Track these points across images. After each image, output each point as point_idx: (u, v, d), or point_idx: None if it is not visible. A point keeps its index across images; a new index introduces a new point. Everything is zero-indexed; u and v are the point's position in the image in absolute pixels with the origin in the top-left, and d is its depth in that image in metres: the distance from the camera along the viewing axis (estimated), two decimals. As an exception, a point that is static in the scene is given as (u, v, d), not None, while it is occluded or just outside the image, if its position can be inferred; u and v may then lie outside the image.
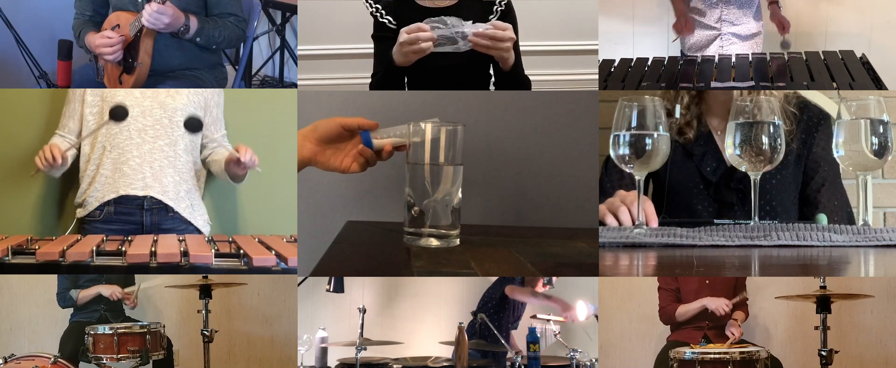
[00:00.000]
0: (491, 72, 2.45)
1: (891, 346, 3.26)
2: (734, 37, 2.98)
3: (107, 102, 2.61)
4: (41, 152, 2.47)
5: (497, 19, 2.38)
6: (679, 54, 3.10)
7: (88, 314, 3.01)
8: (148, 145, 2.60)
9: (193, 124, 2.47)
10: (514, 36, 2.17)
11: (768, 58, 2.62)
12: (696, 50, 3.03)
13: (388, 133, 1.80)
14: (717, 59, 2.66)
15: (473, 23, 2.15)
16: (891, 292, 3.26)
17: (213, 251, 2.03)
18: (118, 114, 2.44)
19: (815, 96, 2.45)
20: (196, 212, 2.66)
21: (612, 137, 1.71)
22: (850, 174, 2.38)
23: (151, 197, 2.58)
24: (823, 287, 2.40)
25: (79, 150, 2.67)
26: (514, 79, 2.32)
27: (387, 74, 2.26)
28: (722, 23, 2.98)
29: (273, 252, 2.03)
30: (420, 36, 2.11)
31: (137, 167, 2.58)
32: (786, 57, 2.61)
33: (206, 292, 2.58)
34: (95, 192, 2.59)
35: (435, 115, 1.84)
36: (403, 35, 2.13)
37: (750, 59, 2.61)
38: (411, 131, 1.75)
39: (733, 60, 2.64)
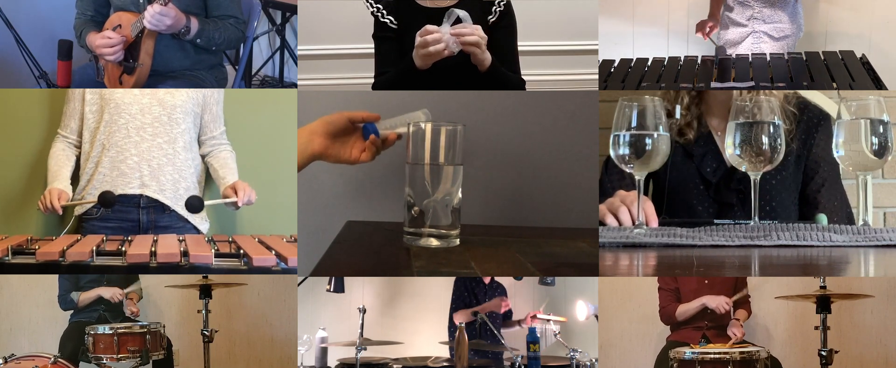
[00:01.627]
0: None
1: (891, 346, 3.27)
2: (766, 36, 2.98)
3: (106, 101, 2.61)
4: (43, 198, 2.50)
5: (495, 19, 2.39)
6: (714, 50, 3.11)
7: (88, 314, 3.01)
8: (146, 142, 2.60)
9: (194, 205, 2.49)
10: (483, 36, 2.17)
11: (768, 58, 2.62)
12: (730, 46, 3.05)
13: (385, 125, 1.88)
14: (716, 59, 2.66)
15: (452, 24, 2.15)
16: (891, 292, 3.26)
17: (213, 250, 2.03)
18: (107, 200, 2.46)
19: (815, 96, 2.45)
20: (195, 210, 2.67)
21: (612, 137, 1.71)
22: (850, 174, 2.38)
23: (146, 196, 2.59)
24: (823, 287, 2.40)
25: (79, 148, 2.68)
26: (494, 80, 2.31)
27: (404, 77, 2.27)
28: (753, 21, 2.98)
29: (273, 252, 2.03)
30: (428, 39, 2.12)
31: (135, 166, 2.59)
32: (786, 57, 2.61)
33: (206, 292, 2.58)
34: (94, 190, 2.59)
35: (435, 115, 1.84)
36: (417, 38, 2.15)
37: (750, 59, 2.61)
38: (409, 120, 1.82)
39: (733, 59, 2.64)
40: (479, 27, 2.17)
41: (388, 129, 1.88)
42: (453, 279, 3.67)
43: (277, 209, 2.85)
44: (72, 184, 2.65)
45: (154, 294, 3.36)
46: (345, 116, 1.86)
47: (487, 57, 2.22)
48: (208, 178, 2.78)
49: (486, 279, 3.62)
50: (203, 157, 2.75)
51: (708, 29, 3.15)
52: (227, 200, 2.56)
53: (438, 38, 2.13)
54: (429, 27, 2.14)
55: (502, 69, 2.31)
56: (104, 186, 2.58)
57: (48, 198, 2.48)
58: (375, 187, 2.76)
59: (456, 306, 3.57)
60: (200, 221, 2.69)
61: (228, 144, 2.79)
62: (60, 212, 2.49)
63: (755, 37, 2.99)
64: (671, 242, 1.71)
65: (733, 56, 2.73)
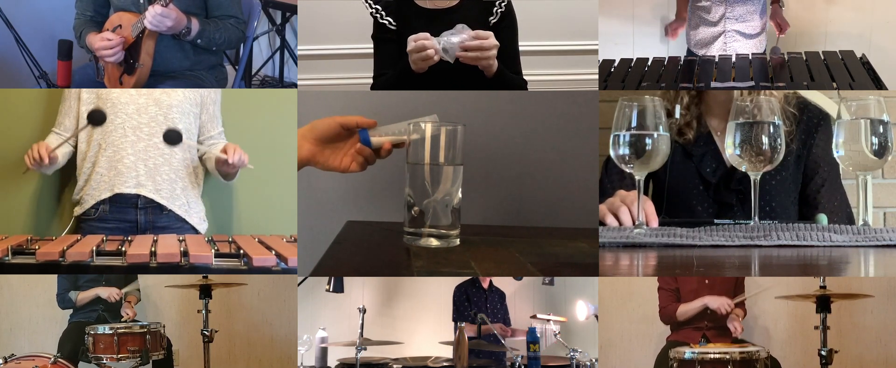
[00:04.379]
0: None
1: (891, 346, 3.27)
2: (738, 34, 2.98)
3: (102, 101, 2.61)
4: (29, 150, 2.48)
5: (497, 20, 2.39)
6: (685, 52, 3.11)
7: (87, 314, 3.01)
8: (143, 142, 2.60)
9: (172, 137, 2.48)
10: (496, 43, 2.17)
11: (768, 58, 2.62)
12: (701, 46, 3.04)
13: (386, 131, 1.80)
14: (717, 58, 2.66)
15: (459, 33, 2.15)
16: (891, 292, 3.26)
17: (213, 251, 2.03)
18: (96, 118, 2.45)
19: (815, 96, 2.45)
20: (192, 210, 2.66)
21: (612, 137, 1.71)
22: (850, 174, 2.38)
23: (143, 196, 2.58)
24: (823, 287, 2.40)
25: (75, 148, 2.67)
26: (500, 85, 2.31)
27: (400, 80, 2.27)
28: (725, 20, 2.98)
29: (273, 252, 2.03)
30: (425, 44, 2.12)
31: (132, 165, 2.59)
32: (786, 57, 2.61)
33: (206, 292, 2.58)
34: (91, 190, 2.59)
35: (435, 115, 1.84)
36: (410, 43, 2.14)
37: (750, 59, 2.61)
38: (410, 129, 1.76)
39: (733, 59, 2.64)
40: (491, 34, 2.16)
41: (386, 135, 1.79)
42: (452, 281, 3.67)
43: (277, 209, 2.85)
44: (68, 184, 2.65)
45: (154, 294, 3.36)
46: (336, 122, 1.78)
47: (495, 63, 2.22)
48: (207, 178, 2.78)
49: (485, 284, 3.62)
50: (200, 157, 2.74)
51: (674, 28, 3.14)
52: (220, 155, 2.53)
53: (424, 46, 2.12)
54: (420, 35, 2.14)
55: (508, 73, 2.31)
56: (101, 185, 2.58)
57: (36, 149, 2.45)
58: (375, 187, 2.76)
59: (458, 316, 3.58)
60: (199, 221, 2.69)
61: (226, 142, 2.78)
62: (46, 160, 2.45)
63: (728, 36, 2.99)
64: (671, 242, 1.71)
65: (700, 57, 2.73)
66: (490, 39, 2.15)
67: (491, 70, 2.23)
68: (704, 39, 3.03)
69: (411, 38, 2.15)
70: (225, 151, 2.54)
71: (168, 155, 2.63)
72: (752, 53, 2.77)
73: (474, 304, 3.55)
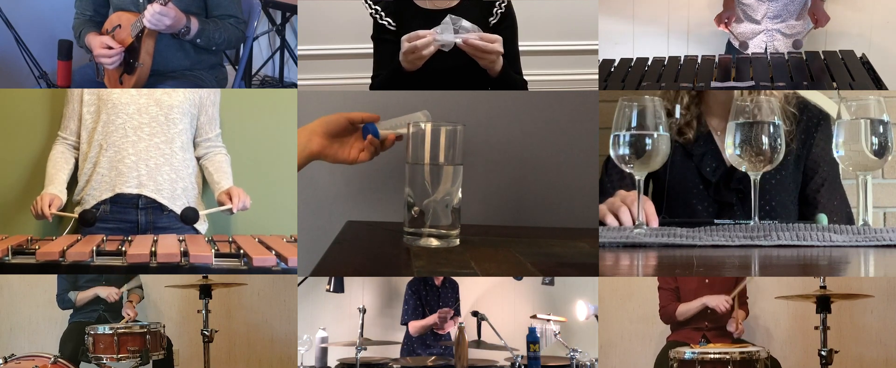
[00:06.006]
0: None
1: (891, 346, 3.27)
2: (779, 33, 2.99)
3: (103, 101, 2.61)
4: (35, 202, 2.50)
5: (497, 21, 2.38)
6: (726, 46, 3.12)
7: (87, 314, 3.01)
8: (144, 142, 2.60)
9: (189, 216, 2.52)
10: (500, 49, 2.17)
11: (768, 58, 2.62)
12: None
13: (386, 125, 1.89)
14: (716, 59, 2.66)
15: (460, 26, 2.14)
16: (891, 292, 3.26)
17: (213, 251, 2.03)
18: (86, 219, 2.49)
19: (815, 96, 2.45)
20: (193, 210, 2.67)
21: (612, 137, 1.71)
22: (850, 174, 2.38)
23: (145, 196, 2.58)
24: (823, 287, 2.41)
25: (78, 150, 2.68)
26: (504, 85, 2.31)
27: (394, 79, 2.27)
28: (766, 19, 2.99)
29: (273, 252, 2.03)
30: (418, 45, 2.12)
31: (133, 165, 2.59)
32: (785, 57, 2.61)
33: (206, 292, 2.58)
34: (93, 190, 2.60)
35: (435, 115, 1.84)
36: (404, 43, 2.14)
37: (749, 59, 2.61)
38: (408, 121, 1.81)
39: (733, 60, 2.64)
40: (499, 38, 2.16)
41: (387, 129, 1.89)
42: (453, 279, 3.67)
43: (277, 209, 2.85)
44: (72, 184, 2.65)
45: (154, 294, 3.36)
46: (344, 117, 1.88)
47: (499, 63, 2.22)
48: (205, 178, 2.78)
49: (438, 281, 3.60)
50: (198, 159, 2.75)
51: (727, 20, 3.14)
52: (223, 207, 2.59)
53: (416, 47, 2.12)
54: (411, 34, 2.14)
55: (512, 73, 2.31)
56: (103, 186, 2.59)
57: (40, 204, 2.50)
58: (375, 187, 2.76)
59: (408, 317, 3.58)
60: (199, 221, 2.69)
61: (223, 146, 2.79)
62: (50, 219, 2.50)
63: (768, 35, 3.00)
64: (671, 242, 1.71)
65: (733, 58, 2.73)
66: (495, 45, 2.15)
67: (494, 70, 2.23)
68: (746, 35, 3.05)
69: (404, 38, 2.15)
70: (229, 194, 2.58)
71: (169, 155, 2.63)
72: (753, 53, 2.77)
73: (427, 303, 3.54)
